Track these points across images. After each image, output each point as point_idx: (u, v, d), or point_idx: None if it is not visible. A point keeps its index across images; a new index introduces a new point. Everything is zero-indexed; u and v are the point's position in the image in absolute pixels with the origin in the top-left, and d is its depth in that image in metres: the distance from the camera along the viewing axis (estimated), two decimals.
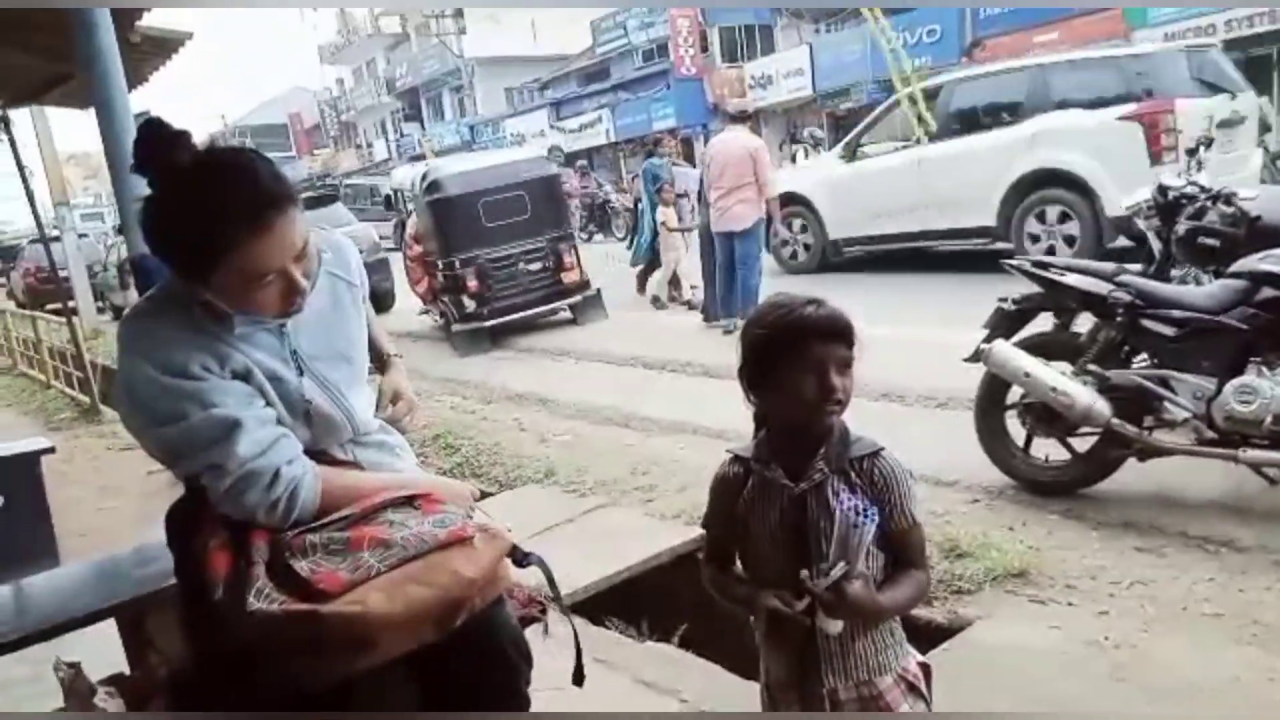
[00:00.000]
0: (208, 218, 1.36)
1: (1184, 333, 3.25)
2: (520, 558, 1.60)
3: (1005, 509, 3.55)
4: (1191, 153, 4.48)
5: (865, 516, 1.31)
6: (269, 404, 1.50)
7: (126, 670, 1.86)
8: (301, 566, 1.41)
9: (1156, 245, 4.15)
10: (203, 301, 1.45)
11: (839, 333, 1.36)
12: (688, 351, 7.13)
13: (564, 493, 4.30)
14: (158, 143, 1.39)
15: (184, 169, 1.38)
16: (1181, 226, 3.87)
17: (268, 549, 1.45)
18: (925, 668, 1.51)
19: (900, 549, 1.44)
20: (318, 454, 1.57)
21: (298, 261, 1.43)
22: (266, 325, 1.52)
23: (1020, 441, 3.67)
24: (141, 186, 1.43)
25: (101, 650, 2.01)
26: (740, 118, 7.91)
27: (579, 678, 1.65)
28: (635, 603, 3.31)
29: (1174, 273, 4.06)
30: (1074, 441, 3.54)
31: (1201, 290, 3.43)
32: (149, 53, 3.41)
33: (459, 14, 35.89)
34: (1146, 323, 3.34)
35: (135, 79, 2.14)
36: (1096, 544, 3.17)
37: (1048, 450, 3.63)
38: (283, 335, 1.54)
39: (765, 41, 26.66)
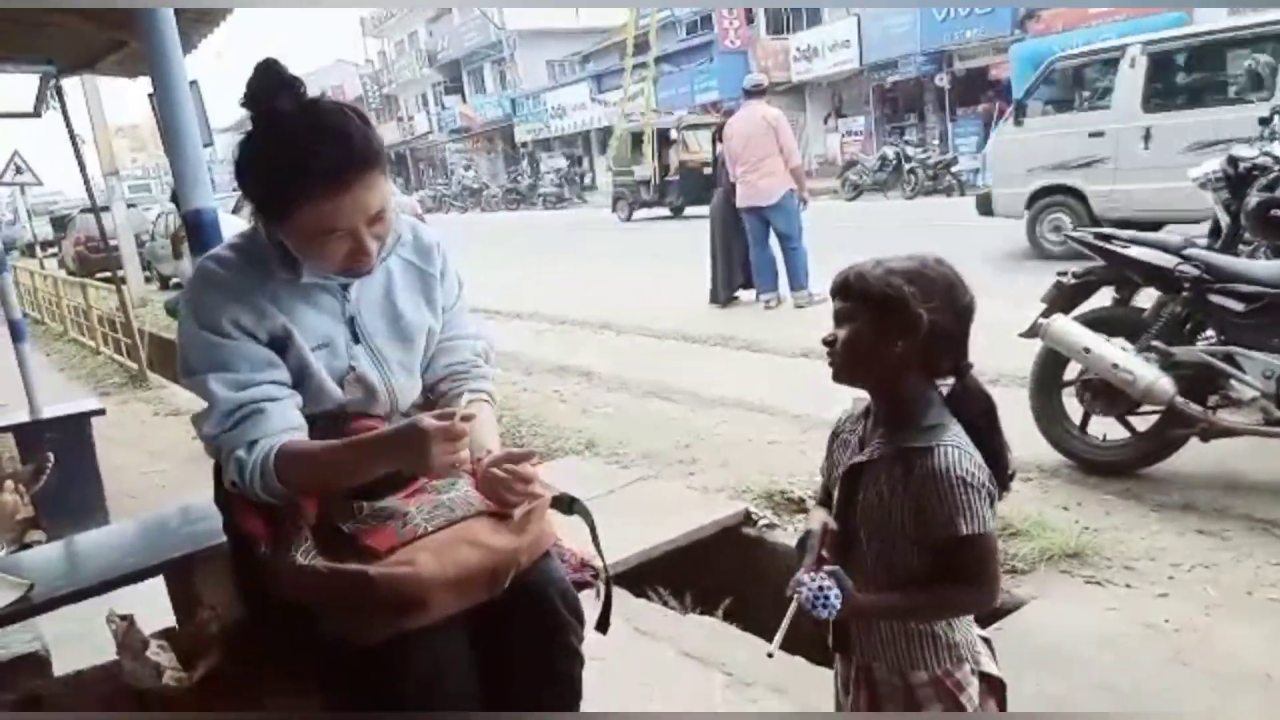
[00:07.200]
0: (290, 166, 1.37)
1: (1254, 308, 3.12)
2: (568, 503, 1.63)
3: (1060, 488, 3.45)
4: (1265, 121, 4.30)
5: (818, 605, 1.25)
6: (302, 367, 1.49)
7: (175, 626, 1.87)
8: (348, 527, 1.45)
9: (1224, 218, 4.00)
10: (278, 243, 1.46)
11: (835, 289, 1.40)
12: (730, 326, 7.06)
13: (605, 464, 4.27)
14: (269, 84, 1.38)
15: (283, 114, 1.38)
16: (1253, 199, 3.72)
17: (314, 514, 1.47)
18: (994, 683, 1.41)
19: (935, 558, 1.31)
20: (358, 416, 1.57)
21: (371, 225, 1.43)
22: (329, 287, 1.53)
23: (1077, 420, 3.57)
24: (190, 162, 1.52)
25: (150, 607, 2.01)
26: (755, 92, 7.78)
27: (604, 624, 1.66)
28: (678, 575, 3.27)
29: (1242, 247, 3.92)
30: (1134, 420, 3.44)
31: (1274, 264, 3.30)
32: (195, 20, 3.39)
33: None
34: (1214, 297, 3.21)
35: (185, 47, 2.12)
36: (1156, 525, 3.08)
37: (1105, 429, 3.53)
38: (345, 300, 1.55)
39: (811, 14, 26.19)
